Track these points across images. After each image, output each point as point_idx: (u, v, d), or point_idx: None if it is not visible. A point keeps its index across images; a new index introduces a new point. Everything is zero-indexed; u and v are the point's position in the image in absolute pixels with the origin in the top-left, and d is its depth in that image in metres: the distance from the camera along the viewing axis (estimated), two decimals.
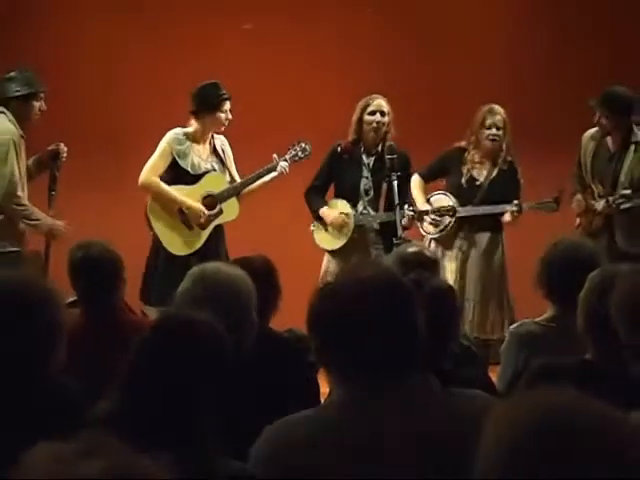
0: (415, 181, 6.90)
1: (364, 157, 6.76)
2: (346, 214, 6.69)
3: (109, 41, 8.23)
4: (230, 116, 6.59)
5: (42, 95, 6.41)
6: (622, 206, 6.64)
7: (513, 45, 8.57)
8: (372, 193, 6.73)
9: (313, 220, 6.84)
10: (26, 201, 6.30)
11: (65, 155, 6.58)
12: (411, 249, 4.69)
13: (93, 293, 4.31)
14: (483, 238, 6.82)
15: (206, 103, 6.57)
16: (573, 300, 3.35)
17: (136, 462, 1.48)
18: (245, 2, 8.42)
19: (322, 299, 2.39)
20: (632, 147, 6.77)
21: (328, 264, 6.78)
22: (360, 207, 6.74)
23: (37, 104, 6.38)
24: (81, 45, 8.21)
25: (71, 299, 4.47)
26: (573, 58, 8.41)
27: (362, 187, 6.74)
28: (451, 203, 6.81)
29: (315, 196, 6.82)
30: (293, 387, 3.43)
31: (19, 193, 6.25)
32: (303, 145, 6.77)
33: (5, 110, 6.33)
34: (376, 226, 6.70)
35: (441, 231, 6.81)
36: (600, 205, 6.71)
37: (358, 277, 2.39)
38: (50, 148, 6.60)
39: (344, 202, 6.74)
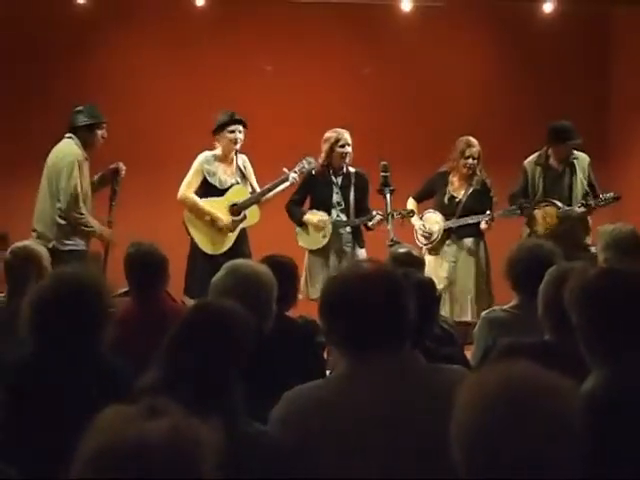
0: (410, 202, 7.03)
1: (333, 177, 6.80)
2: (325, 219, 6.74)
3: (159, 84, 8.27)
4: (240, 136, 6.60)
5: (104, 125, 6.43)
6: (601, 204, 6.70)
7: (482, 91, 8.62)
8: (343, 204, 6.78)
9: (295, 226, 6.86)
10: (85, 211, 6.30)
11: (124, 173, 6.60)
12: (402, 250, 4.70)
13: (143, 283, 4.31)
14: (467, 243, 6.90)
15: (218, 125, 6.61)
16: (534, 291, 3.34)
17: (196, 422, 1.46)
18: (267, 49, 8.44)
19: (330, 290, 2.40)
20: (575, 162, 6.85)
21: (309, 261, 6.81)
22: (334, 215, 6.78)
23: (100, 132, 6.41)
24: (136, 87, 8.26)
25: (124, 289, 4.47)
26: (526, 103, 8.46)
27: (334, 200, 6.79)
28: (436, 218, 6.90)
29: (295, 208, 6.86)
30: (304, 362, 3.41)
31: (80, 204, 6.26)
32: (309, 159, 6.78)
33: (73, 136, 6.37)
34: (348, 229, 6.76)
35: (431, 242, 6.90)
36: (580, 209, 6.73)
37: (360, 272, 2.39)
38: (112, 167, 6.61)
39: (321, 212, 6.78)
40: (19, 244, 4.77)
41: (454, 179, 6.93)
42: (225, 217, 6.65)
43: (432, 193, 7.05)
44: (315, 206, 6.84)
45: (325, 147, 6.76)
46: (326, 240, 6.73)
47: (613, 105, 8.70)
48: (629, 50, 8.51)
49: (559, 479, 1.59)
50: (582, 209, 6.73)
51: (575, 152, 6.89)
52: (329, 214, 6.77)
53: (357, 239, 6.78)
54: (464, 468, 1.62)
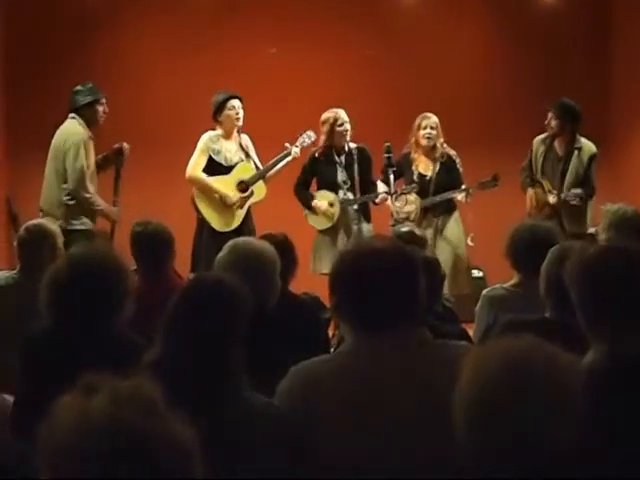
0: (379, 185, 6.87)
1: (336, 157, 6.77)
2: (332, 204, 6.72)
3: (165, 65, 8.25)
4: (240, 111, 6.62)
5: (103, 100, 6.42)
6: (572, 202, 6.60)
7: (483, 72, 8.59)
8: (349, 182, 6.74)
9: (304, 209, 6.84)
10: (92, 191, 6.30)
11: (128, 152, 6.59)
12: (404, 229, 4.72)
13: (150, 261, 4.31)
14: (444, 220, 6.78)
15: (216, 106, 6.62)
16: (534, 270, 3.34)
17: (135, 385, 1.43)
18: (271, 32, 8.43)
19: (342, 265, 2.37)
20: (576, 152, 6.69)
21: (318, 239, 6.79)
22: (341, 194, 6.76)
23: (100, 108, 6.40)
24: (143, 68, 8.25)
25: (132, 268, 4.47)
26: (527, 84, 8.42)
27: (340, 179, 6.76)
28: (411, 198, 6.75)
29: (303, 191, 6.86)
30: (308, 337, 3.42)
31: (87, 184, 6.26)
32: (309, 133, 6.79)
33: (76, 116, 6.36)
34: (355, 207, 6.73)
35: (411, 221, 6.75)
36: (553, 199, 6.66)
37: (373, 248, 2.36)
38: (115, 146, 6.60)
39: (328, 193, 6.76)
40: (34, 222, 4.76)
41: (415, 156, 6.80)
42: (233, 194, 6.66)
43: (398, 175, 6.83)
44: (321, 187, 6.82)
45: (325, 128, 6.73)
46: (334, 220, 6.72)
47: (615, 88, 8.65)
48: (631, 31, 8.45)
49: (558, 450, 1.60)
50: (554, 199, 6.63)
51: (582, 140, 6.72)
52: (336, 194, 6.74)
53: (364, 214, 6.74)
54: (467, 439, 1.63)
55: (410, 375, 2.26)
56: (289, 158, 6.73)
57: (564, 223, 6.59)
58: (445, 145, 6.80)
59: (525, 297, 3.77)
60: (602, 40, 8.72)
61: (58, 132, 6.39)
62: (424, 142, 6.74)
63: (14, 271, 4.55)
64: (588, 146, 6.72)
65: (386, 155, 6.52)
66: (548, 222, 4.54)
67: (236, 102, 6.63)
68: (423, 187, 6.76)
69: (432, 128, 6.73)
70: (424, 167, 6.81)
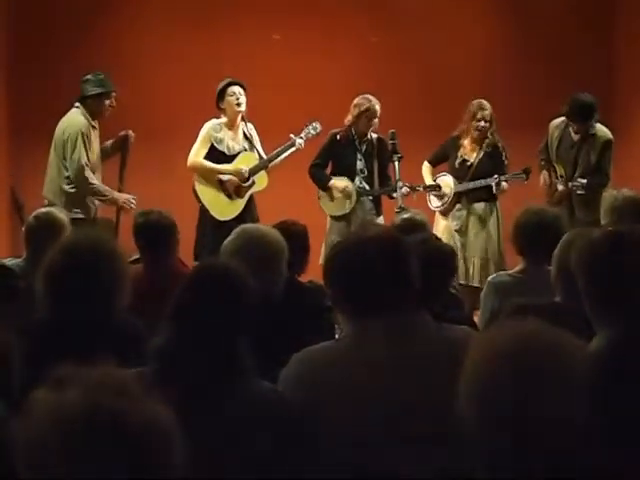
0: (425, 166, 6.93)
1: (357, 143, 6.72)
2: (350, 185, 6.66)
3: (170, 53, 8.22)
4: (241, 98, 6.55)
5: (113, 94, 6.41)
6: (578, 192, 6.53)
7: (485, 58, 8.56)
8: (366, 171, 6.71)
9: (318, 191, 6.78)
10: (94, 180, 6.27)
11: (133, 140, 6.58)
12: (405, 215, 4.77)
13: (152, 249, 4.31)
14: (478, 208, 6.75)
15: (217, 93, 6.57)
16: (539, 256, 3.35)
17: (106, 373, 1.42)
18: (275, 18, 8.38)
19: (334, 256, 2.39)
20: (590, 139, 6.57)
21: (331, 227, 6.74)
22: (357, 182, 6.72)
23: (108, 101, 6.37)
24: (147, 56, 8.23)
25: (136, 257, 4.47)
26: (530, 69, 8.37)
27: (358, 167, 6.71)
28: (448, 181, 6.80)
29: (319, 171, 6.76)
30: (314, 325, 3.43)
31: (86, 174, 6.22)
32: (314, 124, 6.73)
33: (80, 105, 6.34)
34: (370, 198, 6.70)
35: (443, 204, 6.80)
36: (561, 187, 6.63)
37: (363, 237, 2.38)
38: (121, 134, 6.58)
39: (344, 179, 6.70)
40: (43, 210, 4.76)
41: (465, 142, 6.78)
42: (235, 182, 6.62)
43: (445, 157, 6.92)
44: (338, 172, 6.75)
45: (354, 112, 6.64)
46: (350, 207, 6.67)
47: (618, 71, 8.60)
48: (635, 13, 8.40)
49: (563, 434, 1.60)
50: (562, 187, 6.62)
51: (597, 126, 6.56)
52: (352, 181, 6.69)
53: (376, 207, 6.71)
54: (471, 422, 1.63)
55: (409, 358, 2.27)
56: (293, 149, 6.67)
57: (575, 210, 6.56)
58: (495, 135, 6.77)
59: (530, 283, 3.77)
60: (606, 20, 8.64)
61: (60, 122, 6.39)
62: (475, 134, 6.72)
63: (20, 259, 4.56)
64: (602, 132, 6.57)
65: (391, 142, 6.49)
66: (555, 208, 4.52)
67: (236, 88, 6.56)
68: (462, 171, 6.77)
69: (486, 121, 6.69)
70: (469, 153, 6.80)
